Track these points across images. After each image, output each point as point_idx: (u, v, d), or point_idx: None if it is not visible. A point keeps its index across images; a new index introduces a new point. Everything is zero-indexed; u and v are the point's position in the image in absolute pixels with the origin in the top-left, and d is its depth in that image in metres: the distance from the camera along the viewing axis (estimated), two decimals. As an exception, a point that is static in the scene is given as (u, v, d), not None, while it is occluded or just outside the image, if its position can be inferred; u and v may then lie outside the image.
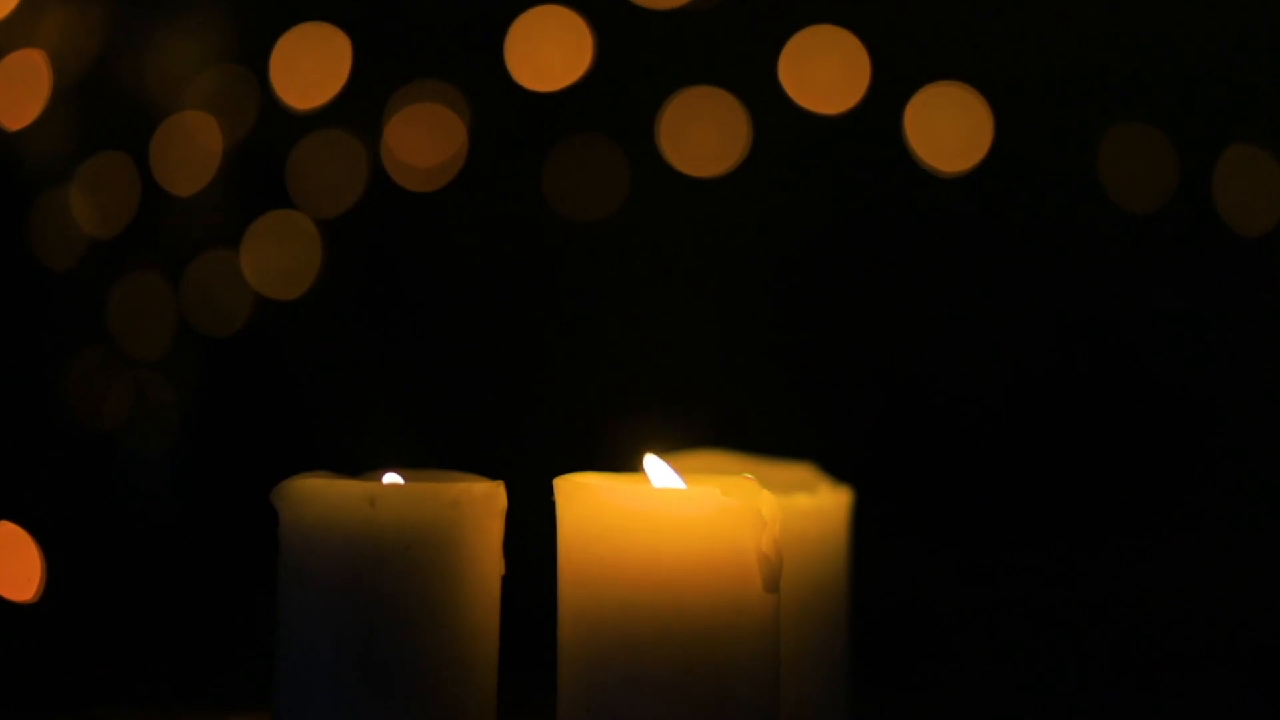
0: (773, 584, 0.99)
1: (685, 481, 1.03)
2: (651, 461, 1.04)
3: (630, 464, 1.05)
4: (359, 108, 1.83)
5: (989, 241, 1.82)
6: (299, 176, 1.85)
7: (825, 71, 1.80)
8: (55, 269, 1.81)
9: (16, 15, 1.75)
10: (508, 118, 1.84)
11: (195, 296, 1.84)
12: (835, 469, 1.23)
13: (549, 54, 1.82)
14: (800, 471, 1.22)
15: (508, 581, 1.06)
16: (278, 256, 1.85)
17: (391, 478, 1.06)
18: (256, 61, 1.83)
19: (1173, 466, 1.81)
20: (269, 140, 1.84)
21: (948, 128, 1.79)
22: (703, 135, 1.82)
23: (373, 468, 1.08)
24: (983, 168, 1.79)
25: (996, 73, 1.79)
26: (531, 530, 1.07)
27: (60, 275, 1.81)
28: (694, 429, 1.28)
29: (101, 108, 1.81)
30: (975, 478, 1.82)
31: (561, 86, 1.83)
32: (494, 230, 1.86)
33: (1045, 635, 1.77)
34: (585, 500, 1.01)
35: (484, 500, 1.04)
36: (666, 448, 1.13)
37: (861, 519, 1.22)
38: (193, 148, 1.83)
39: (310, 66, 1.83)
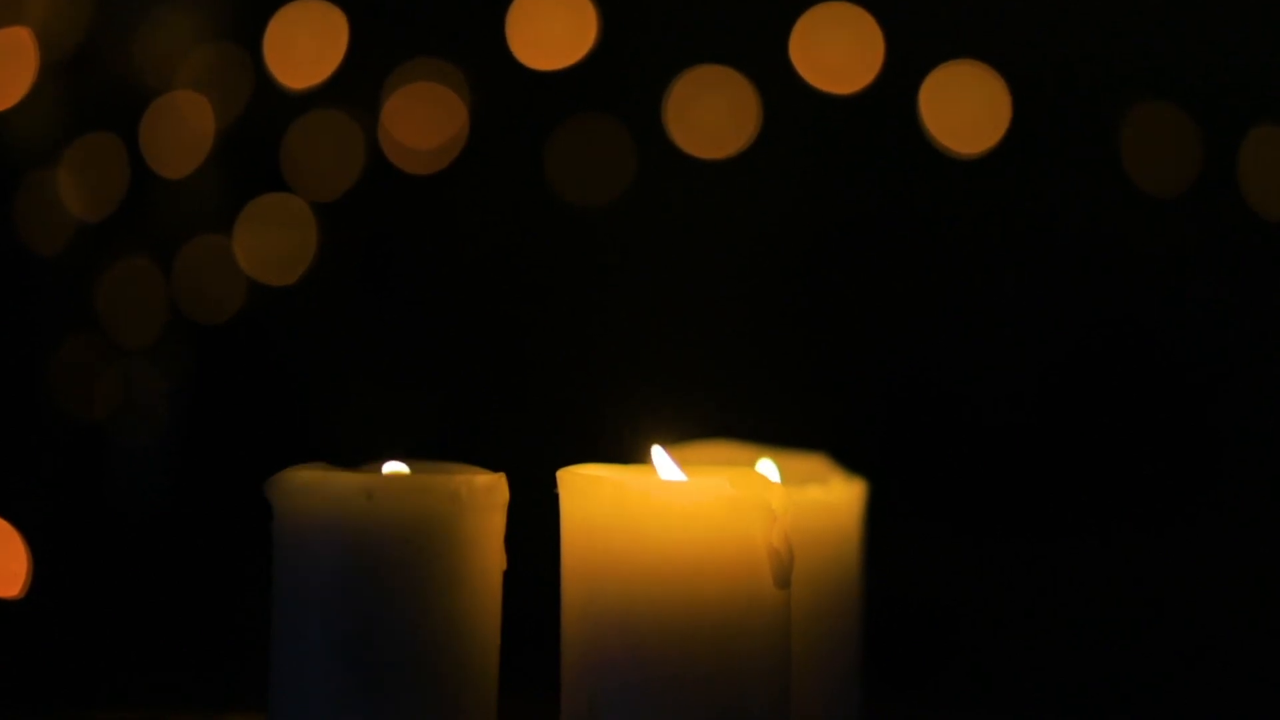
0: (783, 579, 1.00)
1: (693, 474, 1.02)
2: (658, 454, 1.03)
3: (636, 455, 1.05)
4: (356, 87, 1.83)
5: (1005, 225, 1.82)
6: (294, 158, 1.85)
7: (837, 50, 1.80)
8: (42, 254, 1.81)
9: (2, -9, 1.77)
10: (510, 98, 1.84)
11: (187, 282, 1.84)
12: (848, 461, 1.24)
13: (552, 32, 1.82)
14: (812, 463, 1.23)
15: (509, 576, 1.06)
16: (272, 241, 1.85)
17: (394, 466, 1.06)
18: (250, 39, 1.83)
19: (1193, 458, 1.81)
20: (263, 121, 1.84)
21: (964, 108, 1.79)
22: (711, 116, 1.82)
23: (370, 459, 1.07)
24: (1000, 149, 1.79)
25: (1014, 51, 1.80)
26: (534, 524, 1.07)
27: (47, 260, 1.81)
28: (702, 419, 1.27)
29: (90, 87, 1.81)
30: (991, 470, 1.82)
31: (565, 65, 1.83)
32: (495, 214, 1.87)
33: (1063, 631, 1.77)
34: (589, 492, 1.01)
35: (485, 493, 1.04)
36: (674, 439, 1.12)
37: (875, 512, 1.22)
38: (184, 129, 1.83)
39: (305, 44, 1.83)
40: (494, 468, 1.05)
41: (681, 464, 1.03)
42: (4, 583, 1.73)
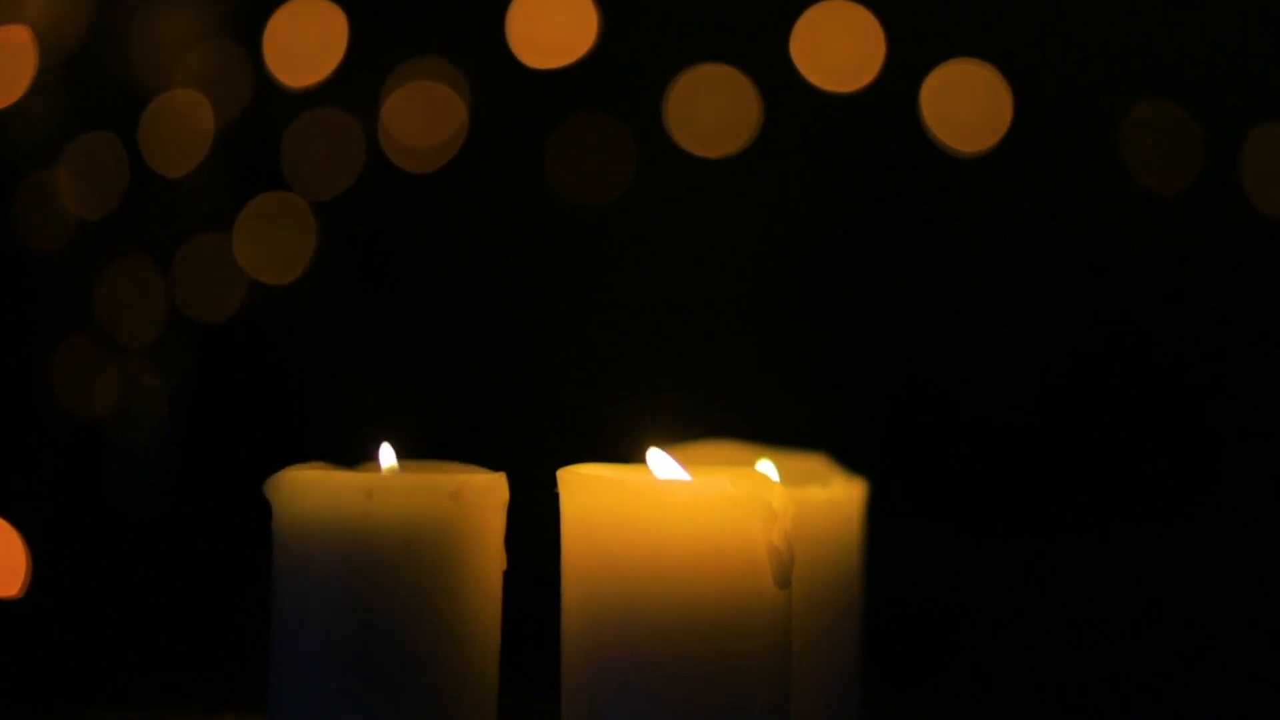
0: (784, 579, 1.00)
1: (693, 473, 1.02)
2: (655, 456, 1.02)
3: (636, 455, 1.05)
4: (355, 86, 1.83)
5: (1006, 224, 1.82)
6: (293, 157, 1.84)
7: (838, 48, 1.79)
8: (41, 252, 1.81)
9: (0, -11, 1.76)
10: (509, 96, 1.84)
11: (186, 281, 1.84)
12: (848, 460, 1.23)
13: (552, 30, 1.81)
14: (813, 463, 1.23)
15: (509, 576, 1.06)
16: (271, 240, 1.84)
17: (385, 451, 1.06)
18: (249, 38, 1.83)
19: (1194, 457, 1.81)
20: (262, 120, 1.83)
21: (965, 106, 1.78)
22: (711, 114, 1.81)
23: (370, 459, 1.07)
24: (1001, 147, 1.78)
25: (1015, 49, 1.79)
26: (534, 523, 1.07)
27: (47, 259, 1.81)
28: (703, 419, 1.27)
29: (89, 86, 1.81)
30: (991, 469, 1.81)
31: (565, 64, 1.82)
32: (495, 213, 1.86)
33: (1063, 631, 1.77)
34: (590, 492, 1.00)
35: (485, 492, 1.04)
36: (674, 439, 1.12)
37: (875, 511, 1.22)
38: (184, 128, 1.83)
39: (305, 43, 1.83)
40: (494, 467, 1.05)
41: (682, 463, 1.03)
42: (2, 582, 1.73)
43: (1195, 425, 1.81)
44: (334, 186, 1.84)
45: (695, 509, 0.98)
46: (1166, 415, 1.81)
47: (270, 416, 1.85)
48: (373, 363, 1.86)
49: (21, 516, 1.73)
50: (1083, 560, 1.79)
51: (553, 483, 1.01)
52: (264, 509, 1.04)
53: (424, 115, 1.83)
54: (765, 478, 1.00)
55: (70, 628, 1.75)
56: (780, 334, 1.84)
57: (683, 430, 1.18)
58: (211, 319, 1.84)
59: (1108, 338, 1.82)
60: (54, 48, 1.78)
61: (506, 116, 1.84)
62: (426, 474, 1.05)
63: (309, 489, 1.02)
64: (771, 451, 1.20)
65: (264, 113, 1.82)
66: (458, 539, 1.02)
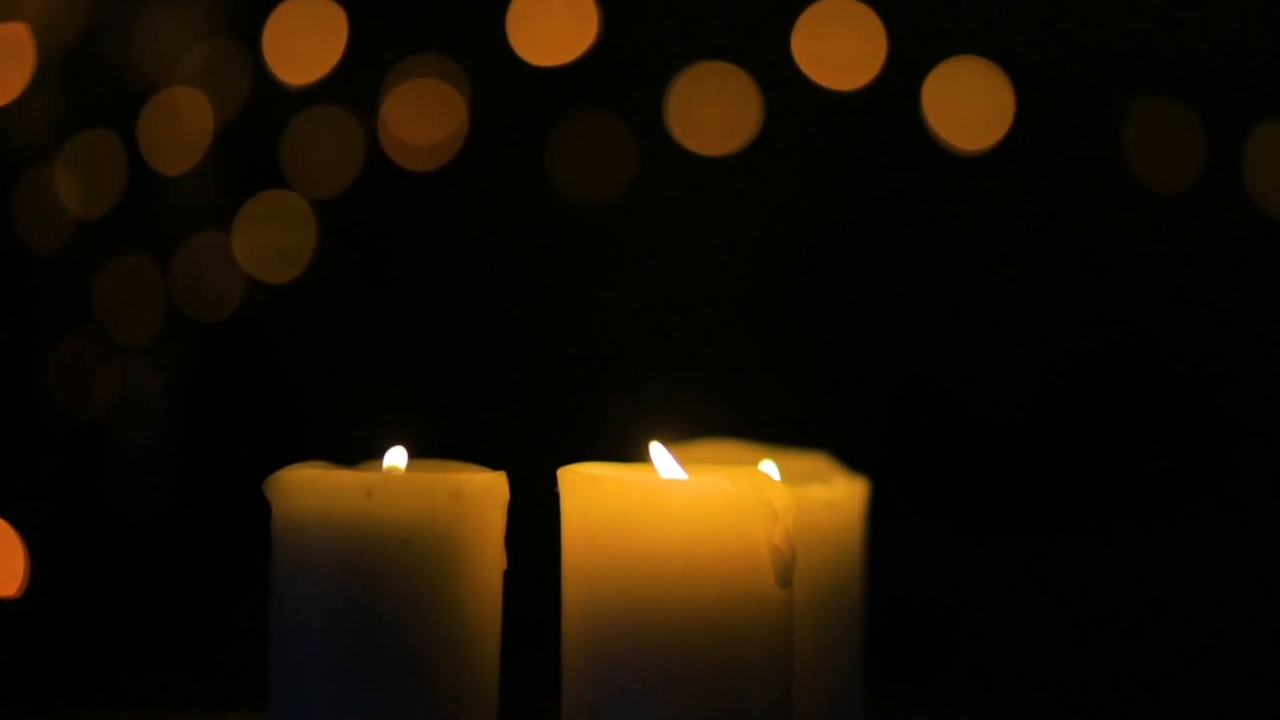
0: (785, 578, 0.99)
1: (694, 472, 1.01)
2: (657, 450, 1.02)
3: (637, 454, 1.04)
4: (355, 83, 1.83)
5: (1008, 222, 1.82)
6: (293, 155, 1.85)
7: (840, 46, 1.80)
8: (40, 251, 1.81)
9: (-1, -13, 1.77)
10: (510, 94, 1.84)
11: (185, 280, 1.84)
12: (850, 459, 1.23)
13: (553, 27, 1.82)
14: (814, 462, 1.22)
15: (509, 576, 1.05)
16: (271, 238, 1.85)
17: (397, 453, 1.06)
18: (249, 35, 1.83)
19: (1195, 457, 1.81)
20: (262, 117, 1.83)
21: (967, 104, 1.79)
22: (712, 112, 1.82)
23: (369, 457, 1.07)
24: (1003, 145, 1.78)
25: (1017, 47, 1.79)
26: (535, 523, 1.07)
27: (45, 258, 1.81)
28: (704, 418, 1.26)
29: (88, 83, 1.81)
30: (992, 468, 1.81)
31: (566, 61, 1.82)
32: (495, 211, 1.87)
33: (1063, 631, 1.77)
34: (590, 491, 1.00)
35: (485, 491, 1.03)
36: (675, 437, 1.12)
37: (877, 511, 1.22)
38: (183, 125, 1.83)
39: (305, 40, 1.83)
40: (494, 466, 1.05)
41: (682, 462, 1.03)
42: (2, 582, 1.73)
43: (1195, 425, 1.81)
44: (334, 184, 1.84)
45: (696, 509, 0.98)
46: (1167, 415, 1.81)
47: (270, 416, 1.86)
48: (373, 362, 1.86)
49: (21, 516, 1.74)
50: (1083, 560, 1.79)
51: (553, 483, 1.01)
52: (264, 508, 1.03)
53: (424, 113, 1.84)
54: (766, 477, 0.99)
55: (70, 628, 1.75)
56: (781, 333, 1.84)
57: (684, 429, 1.18)
58: (211, 318, 1.84)
59: (1108, 338, 1.82)
60: (52, 45, 1.79)
61: (507, 114, 1.84)
62: (426, 474, 1.05)
63: (308, 488, 1.01)
64: (773, 450, 1.20)
65: (263, 110, 1.83)
66: (458, 539, 1.01)
